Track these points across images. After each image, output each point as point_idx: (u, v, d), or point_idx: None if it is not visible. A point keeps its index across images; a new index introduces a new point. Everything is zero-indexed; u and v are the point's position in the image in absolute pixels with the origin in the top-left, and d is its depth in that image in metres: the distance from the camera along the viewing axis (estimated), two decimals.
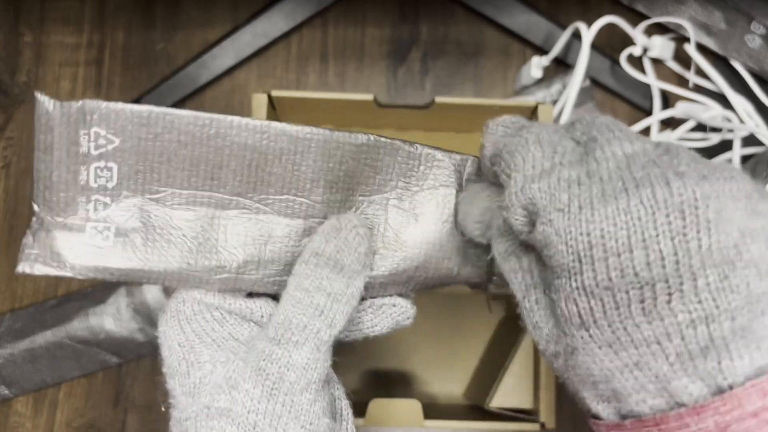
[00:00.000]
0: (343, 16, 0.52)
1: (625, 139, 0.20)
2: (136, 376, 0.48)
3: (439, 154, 0.26)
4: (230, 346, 0.23)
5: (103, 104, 0.22)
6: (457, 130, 0.45)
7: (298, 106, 0.41)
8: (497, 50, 0.52)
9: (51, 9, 0.53)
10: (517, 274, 0.23)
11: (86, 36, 0.52)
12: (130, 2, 0.53)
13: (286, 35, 0.52)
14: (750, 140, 0.48)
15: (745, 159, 0.48)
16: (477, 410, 0.42)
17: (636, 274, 0.18)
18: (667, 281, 0.18)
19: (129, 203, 0.22)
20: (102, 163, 0.22)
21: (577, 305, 0.19)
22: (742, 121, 0.48)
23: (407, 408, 0.37)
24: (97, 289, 0.48)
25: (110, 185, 0.22)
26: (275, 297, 0.24)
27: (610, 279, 0.19)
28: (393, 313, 0.26)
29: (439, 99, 0.40)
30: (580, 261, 0.19)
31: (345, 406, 0.25)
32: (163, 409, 0.23)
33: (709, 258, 0.18)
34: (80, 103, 0.22)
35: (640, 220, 0.18)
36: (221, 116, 0.22)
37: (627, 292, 0.18)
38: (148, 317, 0.48)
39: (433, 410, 0.38)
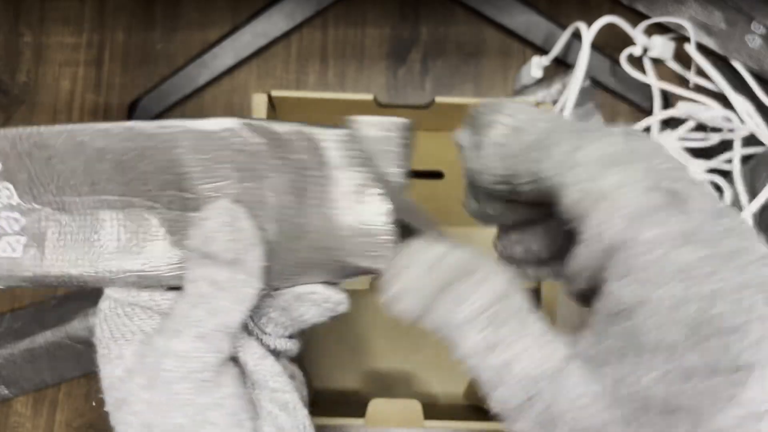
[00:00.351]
0: (343, 16, 0.52)
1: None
2: None
3: (317, 132, 0.24)
4: (137, 339, 0.23)
5: None
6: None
7: (298, 106, 0.41)
8: (497, 50, 0.52)
9: (51, 9, 0.53)
10: None
11: (86, 36, 0.52)
12: (129, 2, 0.53)
13: (286, 35, 0.52)
14: (750, 140, 0.48)
15: (745, 159, 0.48)
16: (477, 410, 0.42)
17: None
18: None
19: (37, 216, 0.24)
20: None
21: (670, 386, 0.17)
22: (742, 121, 0.48)
23: (407, 408, 0.37)
24: (97, 290, 0.48)
25: (14, 202, 0.24)
26: None
27: (717, 359, 0.16)
28: (316, 300, 0.24)
29: (439, 99, 0.40)
30: (692, 338, 0.16)
31: (292, 399, 0.25)
32: (93, 403, 0.23)
33: None
34: None
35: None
36: (77, 126, 0.23)
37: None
38: None
39: (433, 410, 0.38)
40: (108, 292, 0.25)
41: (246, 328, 0.25)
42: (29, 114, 0.52)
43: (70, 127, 0.23)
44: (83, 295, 0.48)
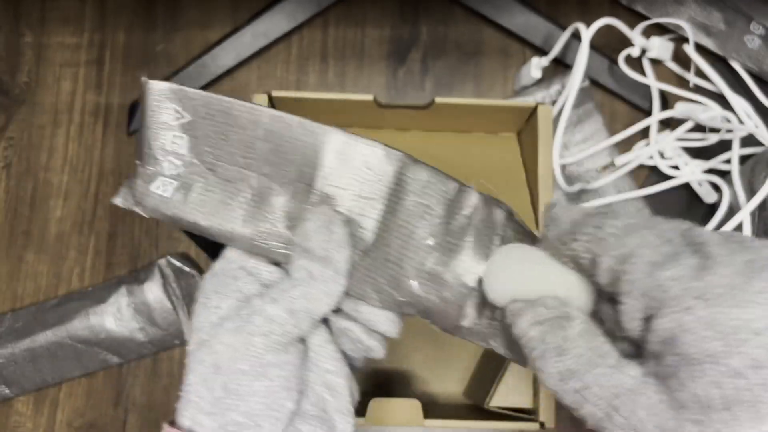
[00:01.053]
0: (343, 17, 0.53)
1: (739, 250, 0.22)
2: (137, 375, 0.49)
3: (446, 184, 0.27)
4: (235, 296, 0.27)
5: (177, 86, 0.28)
6: (457, 130, 0.45)
7: (298, 107, 0.41)
8: (497, 50, 0.52)
9: (51, 9, 0.53)
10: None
11: (87, 36, 0.52)
12: (130, 2, 0.53)
13: (287, 35, 0.52)
14: (749, 140, 0.48)
15: (743, 159, 0.48)
16: (477, 410, 0.42)
17: None
18: None
19: (193, 169, 0.28)
20: (177, 133, 0.28)
21: (721, 387, 0.20)
22: (741, 122, 0.49)
23: (407, 408, 0.37)
24: (97, 289, 0.49)
25: (182, 151, 0.28)
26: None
27: (756, 358, 0.20)
28: (351, 338, 0.29)
29: (439, 99, 0.40)
30: (728, 345, 0.20)
31: (341, 384, 0.28)
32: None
33: None
34: (165, 84, 0.28)
35: None
36: (259, 107, 0.27)
37: None
38: (149, 317, 0.48)
39: (433, 410, 0.39)
40: (225, 253, 0.29)
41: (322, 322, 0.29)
42: (30, 114, 0.52)
43: (253, 105, 0.27)
44: (84, 295, 0.49)
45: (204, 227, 0.28)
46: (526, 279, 0.26)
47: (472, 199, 0.27)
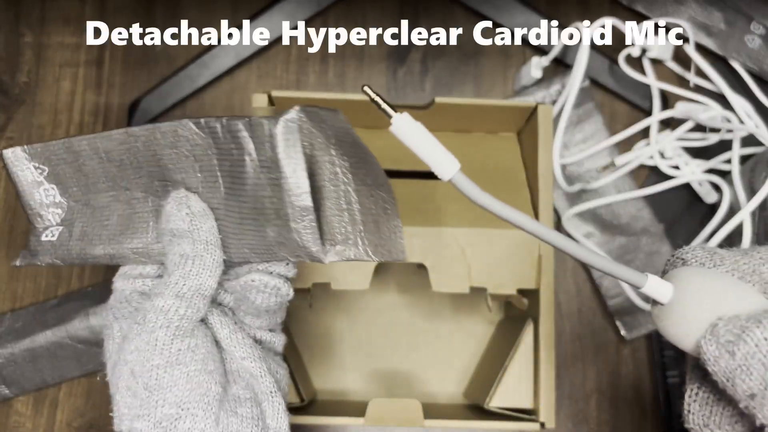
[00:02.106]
0: (343, 16, 0.53)
1: None
2: None
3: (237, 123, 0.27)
4: (132, 316, 0.28)
5: (29, 146, 0.30)
6: (457, 130, 0.45)
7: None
8: (497, 50, 0.52)
9: (51, 9, 0.53)
10: None
11: (87, 36, 0.52)
12: (130, 2, 0.53)
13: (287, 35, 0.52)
14: (749, 140, 0.48)
15: (744, 159, 0.48)
16: (477, 410, 0.42)
17: None
18: None
19: (71, 210, 0.31)
20: (46, 186, 0.31)
21: None
22: (741, 122, 0.48)
23: (407, 408, 0.37)
24: (97, 289, 0.49)
25: (57, 200, 0.31)
26: None
27: None
28: (258, 287, 0.29)
29: (439, 99, 0.40)
30: None
31: (258, 366, 0.29)
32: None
33: None
34: (16, 149, 0.31)
35: None
36: (92, 134, 0.29)
37: None
38: None
39: (433, 410, 0.39)
40: (114, 285, 0.30)
41: (227, 315, 0.30)
42: (30, 114, 0.52)
43: (88, 135, 0.29)
44: (84, 295, 0.49)
45: (92, 255, 0.30)
46: (734, 298, 0.22)
47: (260, 129, 0.26)
